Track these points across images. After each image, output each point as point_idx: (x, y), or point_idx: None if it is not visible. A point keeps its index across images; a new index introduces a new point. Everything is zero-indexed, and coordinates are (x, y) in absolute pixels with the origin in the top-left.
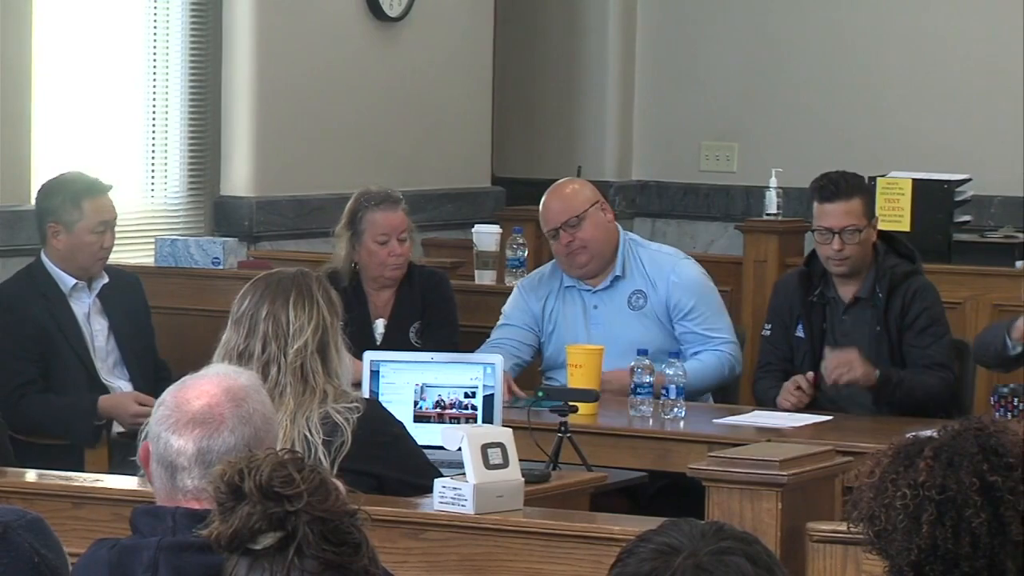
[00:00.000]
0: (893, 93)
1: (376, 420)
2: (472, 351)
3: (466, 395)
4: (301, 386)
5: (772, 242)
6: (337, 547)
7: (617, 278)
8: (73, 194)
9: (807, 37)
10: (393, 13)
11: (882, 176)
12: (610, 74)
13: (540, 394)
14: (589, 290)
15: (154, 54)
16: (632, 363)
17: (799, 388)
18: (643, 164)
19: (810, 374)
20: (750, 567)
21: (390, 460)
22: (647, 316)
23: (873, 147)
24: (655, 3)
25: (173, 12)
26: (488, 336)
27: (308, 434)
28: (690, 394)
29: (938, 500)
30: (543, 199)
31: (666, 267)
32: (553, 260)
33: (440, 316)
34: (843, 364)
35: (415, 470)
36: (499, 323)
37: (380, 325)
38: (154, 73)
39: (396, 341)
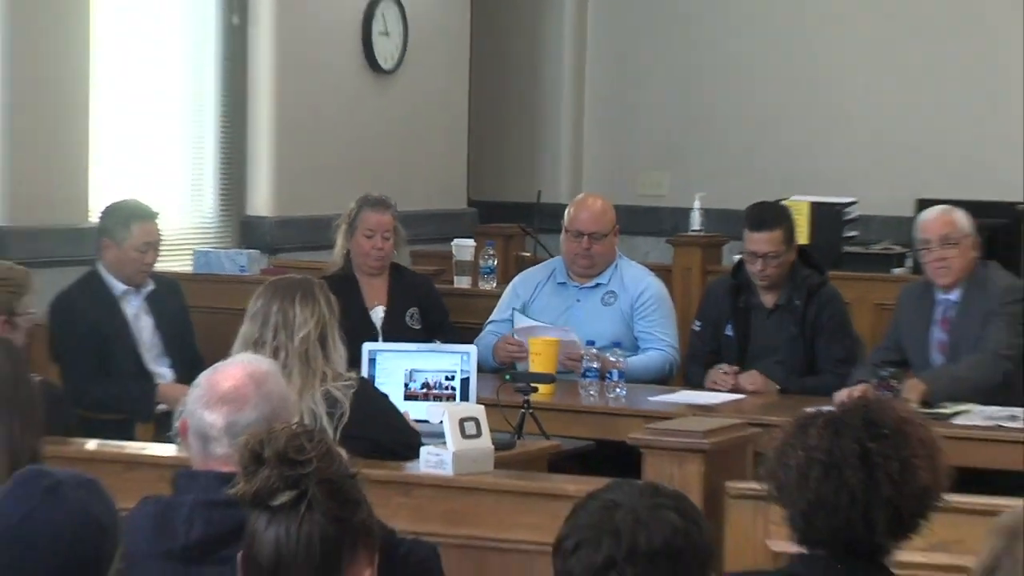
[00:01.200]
0: (796, 129)
1: (368, 394)
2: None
3: (447, 378)
4: (305, 368)
5: (696, 254)
6: (341, 504)
7: (600, 284)
8: (125, 217)
9: (726, 81)
10: (387, 67)
11: (785, 199)
12: (563, 114)
13: (507, 377)
14: (577, 287)
15: (193, 97)
16: (582, 352)
17: (725, 373)
18: (591, 189)
19: (735, 368)
20: (679, 519)
21: (380, 426)
22: (615, 312)
23: (780, 175)
24: (601, 54)
25: (208, 60)
26: (467, 328)
27: (314, 407)
28: (638, 380)
29: (824, 461)
30: (579, 202)
31: (639, 280)
32: (553, 260)
33: (438, 309)
34: (752, 383)
35: (401, 433)
36: (496, 314)
37: (380, 311)
38: (192, 113)
39: (395, 324)
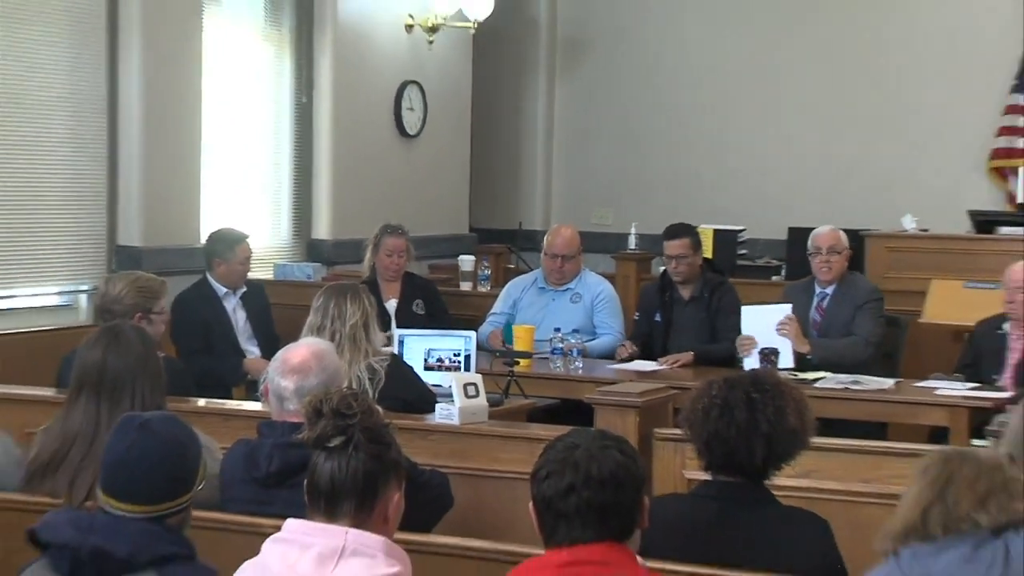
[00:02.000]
0: (704, 176)
1: (398, 367)
2: (458, 327)
3: (454, 355)
4: (353, 347)
5: (632, 266)
6: (377, 445)
7: (568, 288)
8: (230, 242)
9: (653, 144)
10: (412, 132)
11: (696, 226)
12: (538, 166)
13: (497, 354)
14: (553, 290)
15: (274, 151)
16: (550, 337)
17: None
18: (557, 221)
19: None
20: (621, 456)
21: (406, 389)
22: (580, 308)
23: (692, 210)
24: (565, 122)
25: (284, 125)
26: (467, 320)
27: (359, 375)
28: (598, 356)
29: (720, 405)
30: (554, 231)
31: (597, 285)
32: (536, 271)
33: (437, 303)
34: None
35: (421, 394)
36: (496, 308)
37: (393, 303)
38: (273, 163)
39: (404, 312)
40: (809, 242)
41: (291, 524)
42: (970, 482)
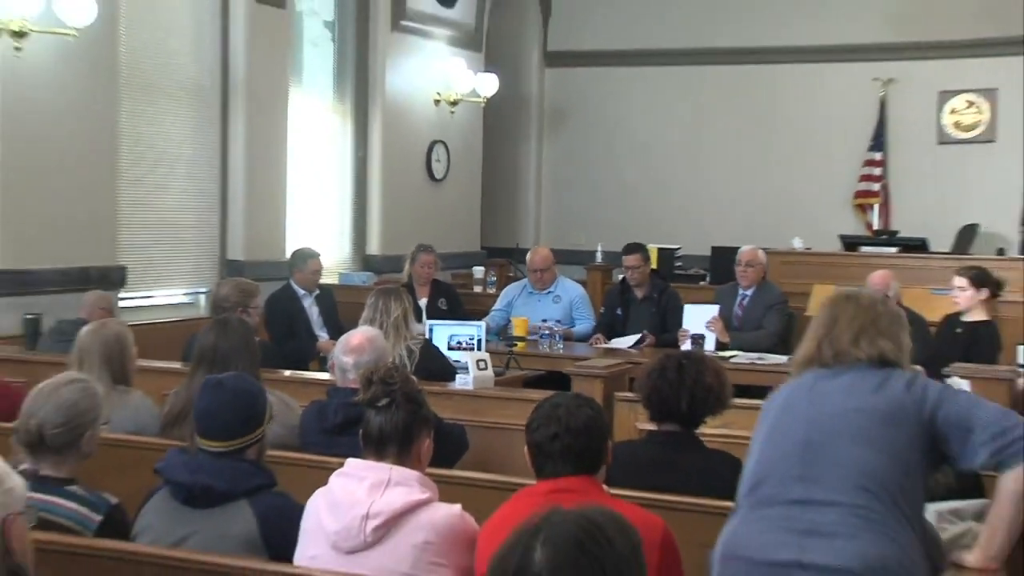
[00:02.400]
0: (651, 208)
1: (428, 348)
2: (473, 319)
3: (470, 339)
4: (395, 333)
5: (599, 275)
6: (413, 404)
7: (549, 291)
8: (304, 257)
9: (613, 185)
10: (439, 177)
11: (646, 245)
12: (530, 201)
13: (499, 338)
14: (538, 293)
15: (338, 190)
16: (538, 325)
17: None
18: (545, 243)
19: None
20: (592, 412)
21: (434, 363)
22: (559, 306)
23: (642, 232)
24: (551, 168)
25: (346, 172)
26: (484, 313)
27: (401, 354)
28: (579, 339)
29: (659, 369)
30: (533, 251)
31: (573, 289)
32: (525, 279)
33: (455, 301)
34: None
35: (445, 367)
36: (496, 306)
37: (424, 302)
38: (339, 199)
39: (432, 308)
40: (738, 255)
41: (351, 462)
42: (848, 320)
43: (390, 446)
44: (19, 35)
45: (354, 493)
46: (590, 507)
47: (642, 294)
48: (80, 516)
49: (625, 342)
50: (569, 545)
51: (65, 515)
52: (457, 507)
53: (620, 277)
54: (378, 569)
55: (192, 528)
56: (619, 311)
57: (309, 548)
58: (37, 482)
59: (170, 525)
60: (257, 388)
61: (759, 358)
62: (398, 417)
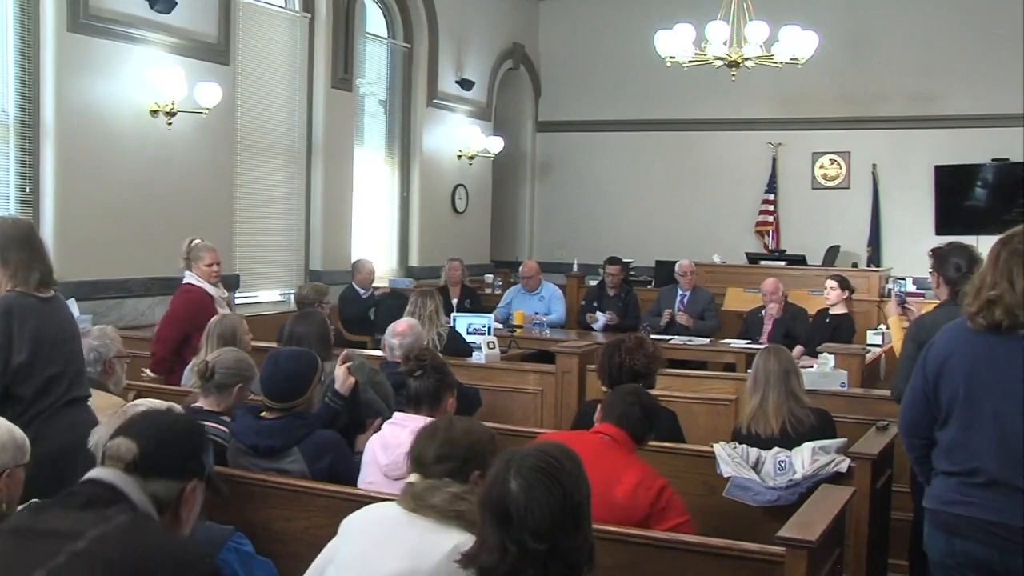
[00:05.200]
0: (612, 231)
1: (453, 333)
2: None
3: (482, 327)
4: (429, 323)
5: (575, 281)
6: (440, 373)
7: (537, 292)
8: (359, 266)
9: (589, 208)
10: (460, 210)
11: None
12: (526, 226)
13: (502, 325)
14: (528, 293)
15: (389, 215)
16: (531, 316)
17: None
18: (536, 258)
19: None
20: (640, 408)
21: (458, 344)
22: (544, 303)
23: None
24: (542, 201)
25: (394, 204)
26: (489, 309)
27: (433, 338)
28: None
29: (612, 346)
30: (525, 265)
31: (551, 288)
32: (519, 284)
33: (476, 301)
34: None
35: (465, 347)
36: (500, 303)
37: (455, 300)
38: (389, 221)
39: (460, 304)
40: (676, 267)
41: (398, 415)
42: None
43: (424, 404)
44: (170, 114)
45: (399, 436)
46: (541, 443)
47: (613, 293)
48: (225, 435)
49: (600, 319)
50: (534, 472)
51: (215, 433)
52: None
53: (599, 280)
54: None
55: (263, 468)
56: (596, 303)
57: (367, 476)
58: (201, 413)
59: (249, 463)
60: (304, 364)
61: (689, 340)
62: (428, 383)
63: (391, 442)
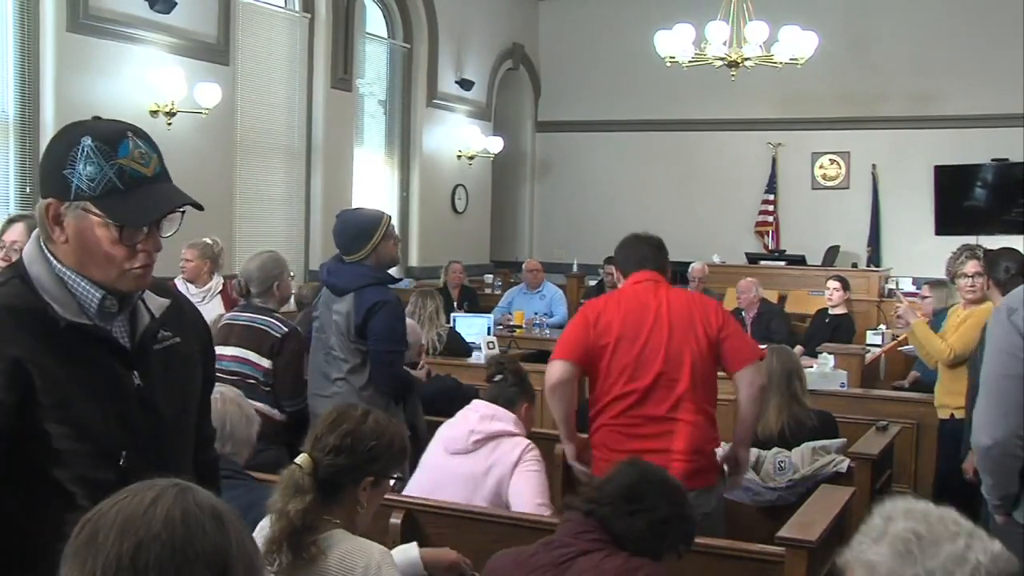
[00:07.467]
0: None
1: (453, 332)
2: (484, 313)
3: (482, 327)
4: (429, 323)
5: (575, 281)
6: (519, 380)
7: (538, 291)
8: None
9: (584, 212)
10: (460, 210)
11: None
12: (526, 227)
13: (501, 326)
14: (530, 293)
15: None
16: (532, 317)
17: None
18: (536, 257)
19: None
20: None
21: (458, 344)
22: (544, 302)
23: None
24: (540, 204)
25: (393, 202)
26: (488, 308)
27: (432, 338)
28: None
29: None
30: (527, 263)
31: (552, 289)
32: (521, 284)
33: (474, 301)
34: None
35: (465, 348)
36: (500, 303)
37: (455, 304)
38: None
39: (460, 304)
40: (688, 270)
41: (475, 402)
42: None
43: (500, 403)
44: (170, 114)
45: (469, 418)
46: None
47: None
48: (275, 326)
49: None
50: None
51: (264, 324)
52: (528, 442)
53: (599, 279)
54: (468, 468)
55: (336, 306)
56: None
57: (432, 447)
58: (254, 310)
59: (328, 301)
60: (365, 221)
61: None
62: (506, 389)
63: (460, 421)
